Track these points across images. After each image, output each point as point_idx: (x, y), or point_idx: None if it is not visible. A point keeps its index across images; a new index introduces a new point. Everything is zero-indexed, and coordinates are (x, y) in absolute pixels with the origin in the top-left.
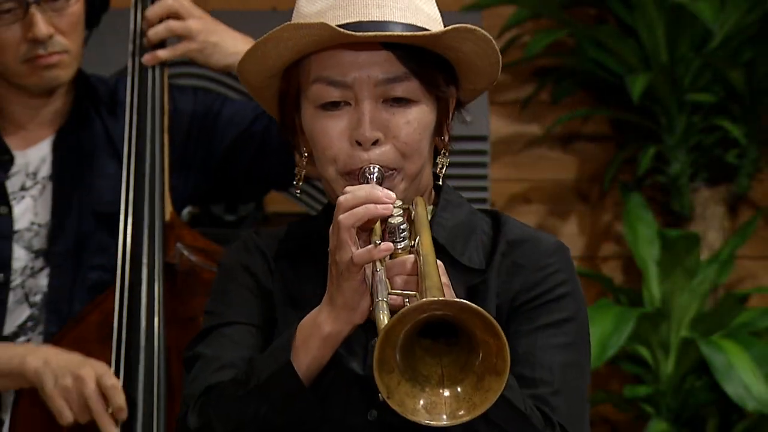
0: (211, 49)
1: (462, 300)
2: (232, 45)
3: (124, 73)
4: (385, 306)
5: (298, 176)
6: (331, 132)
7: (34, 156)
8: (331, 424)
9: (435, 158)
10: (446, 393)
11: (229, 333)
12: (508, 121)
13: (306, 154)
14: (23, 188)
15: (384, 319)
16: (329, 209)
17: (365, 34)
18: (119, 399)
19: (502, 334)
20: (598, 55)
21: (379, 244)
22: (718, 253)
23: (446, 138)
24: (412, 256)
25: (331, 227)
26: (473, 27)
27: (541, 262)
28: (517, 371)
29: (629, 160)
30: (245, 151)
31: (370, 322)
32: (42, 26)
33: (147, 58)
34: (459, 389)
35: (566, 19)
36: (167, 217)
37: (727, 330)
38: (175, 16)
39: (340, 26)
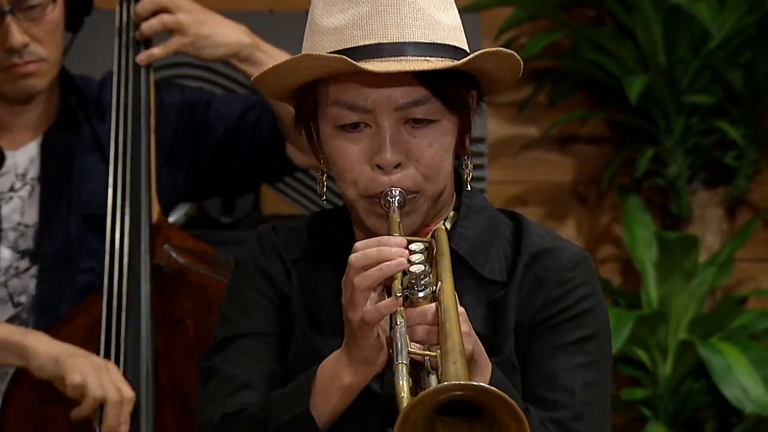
0: (202, 41)
1: (483, 384)
2: (223, 36)
3: (111, 73)
4: (405, 370)
5: (320, 184)
6: (351, 155)
7: (23, 157)
8: None
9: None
10: None
11: (246, 346)
12: (505, 123)
13: (323, 159)
14: (12, 189)
15: (404, 384)
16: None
17: (386, 70)
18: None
19: (524, 418)
20: (596, 56)
21: (398, 296)
22: (717, 255)
23: (467, 143)
24: (433, 305)
25: (343, 280)
26: (495, 50)
27: (564, 276)
28: (539, 393)
29: (627, 162)
30: (237, 143)
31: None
32: (17, 36)
33: (141, 57)
34: None
35: (564, 21)
36: (154, 218)
37: (725, 332)
38: (165, 10)
39: (358, 47)
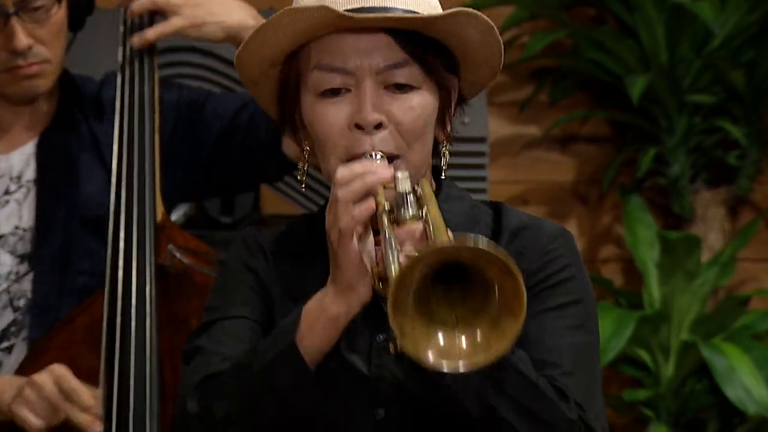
0: (200, 20)
1: (475, 242)
2: (225, 16)
3: (115, 74)
4: (396, 259)
5: (301, 172)
6: (332, 119)
7: (18, 159)
8: (337, 424)
9: (434, 152)
10: (462, 337)
11: (230, 327)
12: (506, 123)
13: (307, 149)
14: (7, 192)
15: (394, 256)
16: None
17: (366, 16)
18: (84, 398)
19: (519, 274)
20: (597, 55)
21: (384, 212)
22: (719, 255)
23: (448, 128)
24: (420, 223)
25: (328, 204)
26: (475, 12)
27: (544, 249)
28: None
29: (629, 161)
30: (232, 143)
31: (373, 318)
32: (21, 38)
33: (135, 39)
34: (474, 333)
35: (565, 20)
36: (158, 218)
37: (727, 333)
38: None
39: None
